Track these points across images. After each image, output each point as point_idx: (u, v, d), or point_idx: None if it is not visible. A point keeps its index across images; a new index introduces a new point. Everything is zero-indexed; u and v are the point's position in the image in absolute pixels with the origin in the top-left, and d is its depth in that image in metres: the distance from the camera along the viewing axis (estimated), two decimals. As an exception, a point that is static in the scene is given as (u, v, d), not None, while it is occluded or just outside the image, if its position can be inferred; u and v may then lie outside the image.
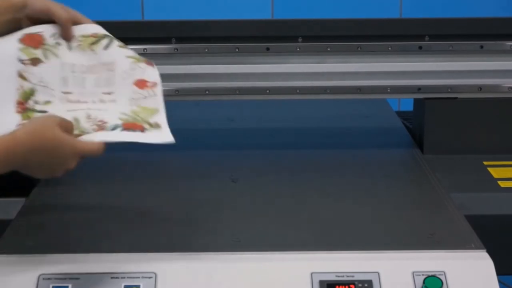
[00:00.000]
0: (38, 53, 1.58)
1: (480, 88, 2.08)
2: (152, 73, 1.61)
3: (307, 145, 2.18)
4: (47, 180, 1.89)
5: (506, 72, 2.07)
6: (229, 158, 2.07)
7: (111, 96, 1.57)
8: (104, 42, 1.63)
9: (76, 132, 1.49)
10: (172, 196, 1.83)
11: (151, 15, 3.50)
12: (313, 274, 1.50)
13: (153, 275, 1.49)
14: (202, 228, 1.66)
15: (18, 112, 1.51)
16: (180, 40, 2.04)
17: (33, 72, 1.56)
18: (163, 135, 1.52)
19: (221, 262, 1.53)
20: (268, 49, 2.05)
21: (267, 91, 2.07)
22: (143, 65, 1.61)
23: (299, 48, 2.05)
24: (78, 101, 1.56)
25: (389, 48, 2.06)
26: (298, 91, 2.07)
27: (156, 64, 2.03)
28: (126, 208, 1.78)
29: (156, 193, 1.85)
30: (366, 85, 2.07)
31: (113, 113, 1.54)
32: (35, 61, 1.57)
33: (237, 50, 2.05)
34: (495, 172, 1.97)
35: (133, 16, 3.48)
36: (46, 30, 1.60)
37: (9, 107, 1.52)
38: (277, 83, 2.06)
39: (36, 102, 1.54)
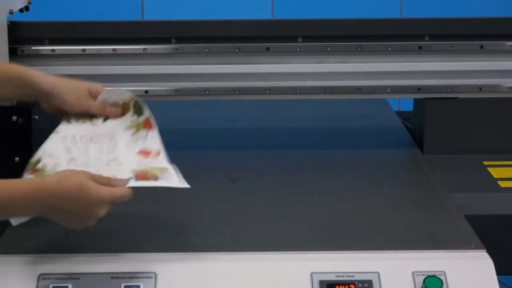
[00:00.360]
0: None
1: (480, 88, 2.08)
2: (153, 140, 1.61)
3: (307, 145, 2.18)
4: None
5: (506, 72, 2.07)
6: (229, 158, 2.07)
7: (116, 161, 1.58)
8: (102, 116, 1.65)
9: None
10: (172, 196, 1.83)
11: (151, 15, 3.50)
12: (313, 274, 1.50)
13: (153, 275, 1.49)
14: (202, 228, 1.66)
15: (30, 173, 1.53)
16: (180, 40, 2.04)
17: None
18: (180, 180, 1.54)
19: (221, 262, 1.53)
20: (268, 49, 2.05)
21: (267, 91, 2.07)
22: (143, 132, 1.62)
23: (299, 48, 2.05)
24: (86, 166, 1.55)
25: (389, 48, 2.06)
26: (298, 91, 2.07)
27: (156, 64, 2.04)
28: (126, 208, 1.78)
29: (156, 193, 1.85)
30: (366, 85, 2.07)
31: (125, 170, 1.54)
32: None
33: (237, 50, 2.05)
34: (495, 172, 1.97)
35: (133, 16, 3.48)
36: None
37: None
38: (277, 83, 2.06)
39: (45, 166, 1.54)
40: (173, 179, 1.53)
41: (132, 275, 1.49)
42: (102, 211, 1.45)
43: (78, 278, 1.48)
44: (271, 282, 1.49)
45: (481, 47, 2.06)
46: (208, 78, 2.06)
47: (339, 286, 1.48)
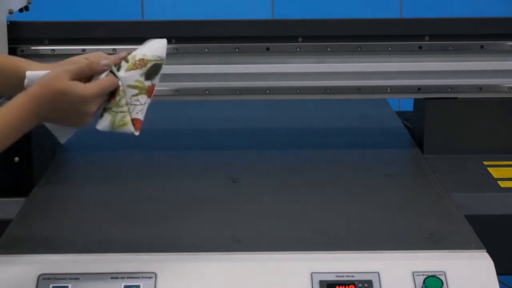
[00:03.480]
0: None
1: (480, 88, 2.08)
2: (144, 112, 1.54)
3: (307, 145, 2.18)
4: (47, 180, 1.89)
5: (506, 72, 2.07)
6: (229, 158, 2.07)
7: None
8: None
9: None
10: (172, 196, 1.83)
11: (151, 15, 3.50)
12: (313, 274, 1.50)
13: (153, 275, 1.49)
14: (202, 228, 1.66)
15: None
16: (180, 40, 2.04)
17: None
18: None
19: (221, 262, 1.53)
20: (268, 49, 2.05)
21: (267, 91, 2.07)
22: (143, 99, 1.52)
23: (299, 48, 2.05)
24: None
25: (389, 48, 2.06)
26: (298, 91, 2.07)
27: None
28: (126, 208, 1.78)
29: (156, 193, 1.85)
30: (366, 85, 2.07)
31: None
32: None
33: (237, 50, 2.05)
34: (495, 172, 1.97)
35: (133, 16, 3.48)
36: None
37: None
38: (277, 83, 2.06)
39: None
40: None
41: (132, 275, 1.49)
42: (93, 107, 1.43)
43: (78, 278, 1.48)
44: (271, 282, 1.49)
45: (481, 47, 2.06)
46: (208, 78, 2.06)
47: (339, 286, 1.48)
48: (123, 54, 1.51)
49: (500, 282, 1.51)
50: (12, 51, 2.02)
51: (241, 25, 2.07)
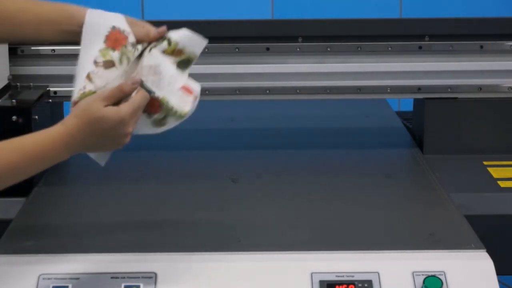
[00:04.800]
0: (114, 56, 1.52)
1: (480, 88, 2.08)
2: (194, 84, 1.56)
3: (307, 145, 2.18)
4: (47, 180, 1.89)
5: (506, 72, 2.07)
6: (229, 158, 2.07)
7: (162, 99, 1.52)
8: (152, 44, 1.56)
9: None
10: (172, 196, 1.83)
11: (151, 15, 3.50)
12: (313, 274, 1.50)
13: (153, 275, 1.49)
14: (202, 228, 1.66)
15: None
16: (180, 40, 2.03)
17: (101, 76, 1.50)
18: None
19: (221, 262, 1.53)
20: (268, 49, 2.05)
21: (267, 91, 2.07)
22: (186, 74, 1.56)
23: (299, 48, 2.05)
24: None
25: (389, 48, 2.06)
26: (298, 91, 2.07)
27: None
28: (126, 208, 1.78)
29: (156, 193, 1.85)
30: (366, 85, 2.07)
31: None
32: (108, 64, 1.51)
33: (237, 50, 2.05)
34: (495, 172, 1.97)
35: (133, 16, 3.47)
36: (131, 33, 1.55)
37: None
38: (277, 83, 2.06)
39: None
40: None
41: (132, 275, 1.49)
42: (130, 128, 1.44)
43: (78, 278, 1.48)
44: (271, 282, 1.49)
45: (481, 47, 2.06)
46: (209, 78, 2.06)
47: (339, 286, 1.48)
48: (162, 29, 1.54)
49: (500, 282, 1.51)
50: (12, 51, 2.02)
51: (241, 25, 2.07)
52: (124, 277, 1.49)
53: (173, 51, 1.54)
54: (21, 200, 1.80)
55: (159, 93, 1.50)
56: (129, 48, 1.53)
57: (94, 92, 1.47)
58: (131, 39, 1.54)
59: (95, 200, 1.82)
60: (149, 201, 1.80)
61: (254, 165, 2.03)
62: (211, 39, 2.04)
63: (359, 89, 2.07)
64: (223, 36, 2.05)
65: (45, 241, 1.59)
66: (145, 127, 1.51)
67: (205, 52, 2.03)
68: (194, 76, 2.06)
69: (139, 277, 1.49)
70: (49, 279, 1.48)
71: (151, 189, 1.87)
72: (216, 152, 2.12)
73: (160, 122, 1.51)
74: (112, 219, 1.71)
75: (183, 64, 1.56)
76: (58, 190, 1.86)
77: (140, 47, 1.55)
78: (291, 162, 2.05)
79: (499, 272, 1.52)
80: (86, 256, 1.53)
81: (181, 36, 1.57)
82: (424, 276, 1.49)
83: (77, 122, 1.41)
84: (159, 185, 1.89)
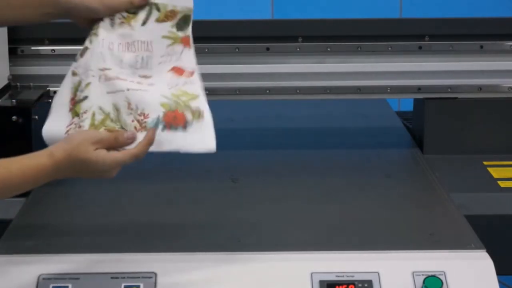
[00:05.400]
0: (86, 42, 1.54)
1: (480, 88, 2.08)
2: (188, 59, 1.55)
3: (307, 145, 2.18)
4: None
5: (506, 72, 2.07)
6: (229, 158, 2.07)
7: (148, 80, 1.53)
8: (142, 15, 1.56)
9: (117, 126, 1.47)
10: (172, 196, 1.83)
11: (151, 15, 3.49)
12: (313, 274, 1.50)
13: (153, 275, 1.49)
14: (202, 228, 1.66)
15: (70, 110, 1.50)
16: (180, 40, 2.03)
17: (81, 65, 1.53)
18: (206, 142, 1.52)
19: (221, 262, 1.53)
20: (268, 49, 2.05)
21: (267, 91, 2.07)
22: (179, 47, 1.55)
23: (299, 48, 2.05)
24: (117, 78, 1.51)
25: (389, 48, 2.06)
26: (298, 91, 2.07)
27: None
28: (126, 208, 1.78)
29: (156, 193, 1.85)
30: (366, 85, 2.07)
31: (154, 98, 1.49)
32: (83, 52, 1.54)
33: (237, 50, 2.05)
34: (495, 172, 1.97)
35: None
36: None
37: (65, 110, 1.51)
38: (277, 83, 2.06)
39: (81, 91, 1.50)
40: (199, 142, 1.51)
41: (132, 275, 1.49)
42: (114, 173, 1.47)
43: (78, 278, 1.48)
44: (271, 282, 1.49)
45: (481, 47, 2.06)
46: (209, 78, 2.05)
47: (339, 286, 1.48)
48: None
49: (500, 282, 1.51)
50: (12, 51, 2.02)
51: (241, 25, 2.07)
52: (124, 277, 1.49)
53: (166, 15, 1.54)
54: (21, 200, 1.80)
55: (146, 73, 1.51)
56: (94, 28, 1.55)
57: (79, 80, 1.50)
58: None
59: (95, 200, 1.82)
60: (149, 201, 1.80)
61: (254, 165, 2.03)
62: (211, 39, 2.05)
63: (359, 89, 2.07)
64: (223, 36, 2.05)
65: (45, 241, 1.59)
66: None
67: (205, 52, 2.04)
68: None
69: (139, 277, 1.49)
70: (49, 279, 1.48)
71: (151, 189, 1.87)
72: (216, 152, 2.12)
73: None
74: (112, 219, 1.71)
75: (182, 23, 1.55)
76: (58, 190, 1.86)
77: (125, 14, 1.56)
78: (291, 162, 2.05)
79: (499, 272, 1.52)
80: (86, 256, 1.53)
81: None
82: (424, 276, 1.49)
83: (65, 158, 1.43)
84: (159, 185, 1.89)
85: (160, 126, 1.48)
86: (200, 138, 1.51)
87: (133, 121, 1.48)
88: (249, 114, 2.39)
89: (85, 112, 1.48)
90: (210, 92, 2.05)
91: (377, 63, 2.06)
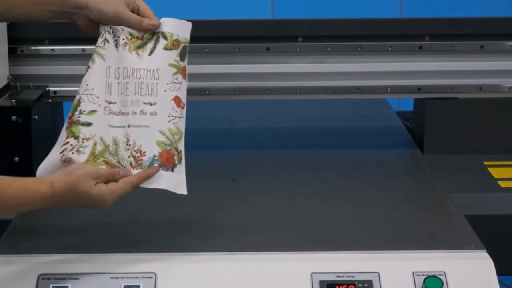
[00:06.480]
0: (90, 62, 1.56)
1: (480, 88, 2.08)
2: (184, 91, 1.59)
3: (307, 145, 2.18)
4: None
5: (506, 72, 2.07)
6: (229, 158, 2.07)
7: (152, 107, 1.55)
8: (150, 46, 1.59)
9: (113, 160, 1.51)
10: (172, 196, 1.83)
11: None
12: (313, 274, 1.50)
13: (153, 275, 1.49)
14: (202, 228, 1.66)
15: (66, 128, 1.52)
16: (180, 40, 2.03)
17: (81, 81, 1.55)
18: (183, 184, 1.57)
19: (221, 262, 1.52)
20: (268, 49, 2.05)
21: (267, 91, 2.07)
22: (180, 78, 1.58)
23: (299, 48, 2.05)
24: (120, 113, 1.54)
25: (389, 48, 2.06)
26: (298, 91, 2.07)
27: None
28: (126, 208, 1.78)
29: (156, 193, 1.85)
30: (366, 85, 2.07)
31: (152, 135, 1.54)
32: (86, 71, 1.55)
33: (237, 50, 2.05)
34: (495, 172, 1.97)
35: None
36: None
37: (63, 129, 1.53)
38: (277, 83, 2.06)
39: (81, 112, 1.52)
40: (174, 183, 1.56)
41: (132, 275, 1.49)
42: (109, 205, 1.50)
43: (78, 278, 1.48)
44: (271, 282, 1.49)
45: (481, 47, 2.06)
46: (208, 78, 2.06)
47: (339, 286, 1.48)
48: (157, 22, 1.60)
49: (500, 282, 1.51)
50: (12, 51, 2.02)
51: (241, 25, 2.07)
52: (124, 277, 1.49)
53: (173, 44, 1.56)
54: (21, 200, 1.79)
55: (150, 99, 1.55)
56: (99, 43, 1.57)
57: (78, 100, 1.52)
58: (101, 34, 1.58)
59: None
60: (149, 201, 1.80)
61: (254, 165, 2.03)
62: (211, 39, 2.06)
63: (359, 89, 2.07)
64: (223, 36, 2.05)
65: (45, 241, 1.59)
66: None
67: (205, 52, 2.05)
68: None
69: (139, 277, 1.49)
70: (49, 279, 1.48)
71: (151, 189, 1.87)
72: (216, 152, 2.12)
73: None
74: (112, 219, 1.71)
75: (183, 54, 1.59)
76: (58, 190, 1.86)
77: (129, 36, 1.57)
78: (291, 162, 2.05)
79: (499, 272, 1.52)
80: (86, 256, 1.53)
81: (170, 25, 1.61)
82: (424, 276, 1.49)
83: (65, 189, 1.45)
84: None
85: (156, 164, 1.54)
86: (182, 180, 1.57)
87: (129, 157, 1.53)
88: (249, 114, 2.39)
89: (87, 139, 1.51)
90: (210, 92, 2.07)
91: (377, 63, 2.06)
